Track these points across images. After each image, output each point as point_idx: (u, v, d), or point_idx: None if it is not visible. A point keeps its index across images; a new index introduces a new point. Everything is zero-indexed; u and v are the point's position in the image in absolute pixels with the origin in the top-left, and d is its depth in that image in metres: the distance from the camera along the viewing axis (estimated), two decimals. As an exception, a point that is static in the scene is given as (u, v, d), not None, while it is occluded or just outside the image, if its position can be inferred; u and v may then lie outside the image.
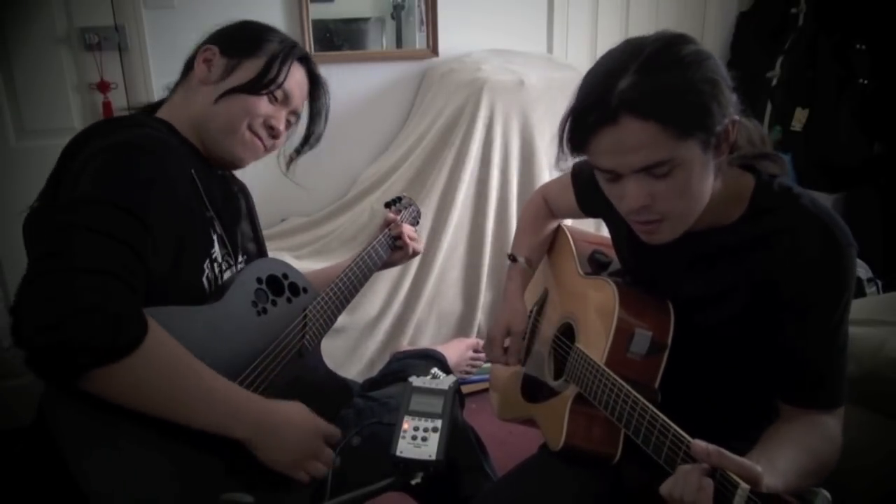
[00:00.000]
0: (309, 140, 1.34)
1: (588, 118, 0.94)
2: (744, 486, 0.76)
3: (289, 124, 1.28)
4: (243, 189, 1.35)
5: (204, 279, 1.11)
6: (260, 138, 1.22)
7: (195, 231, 1.10)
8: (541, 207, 1.45)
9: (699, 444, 0.82)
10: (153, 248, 0.96)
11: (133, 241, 0.93)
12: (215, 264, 1.15)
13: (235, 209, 1.28)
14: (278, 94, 1.21)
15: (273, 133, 1.23)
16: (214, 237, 1.16)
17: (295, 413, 1.07)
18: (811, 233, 0.99)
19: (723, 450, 0.80)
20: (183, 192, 1.07)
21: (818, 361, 1.03)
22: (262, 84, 1.19)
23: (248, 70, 1.19)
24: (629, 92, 0.90)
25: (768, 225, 1.02)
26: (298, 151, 1.36)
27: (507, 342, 1.34)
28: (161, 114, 1.21)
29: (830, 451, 0.99)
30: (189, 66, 1.23)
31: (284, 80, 1.21)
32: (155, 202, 0.98)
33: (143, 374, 0.90)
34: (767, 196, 1.03)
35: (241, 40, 1.22)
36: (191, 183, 1.10)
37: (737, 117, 0.96)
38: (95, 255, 0.89)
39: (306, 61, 1.27)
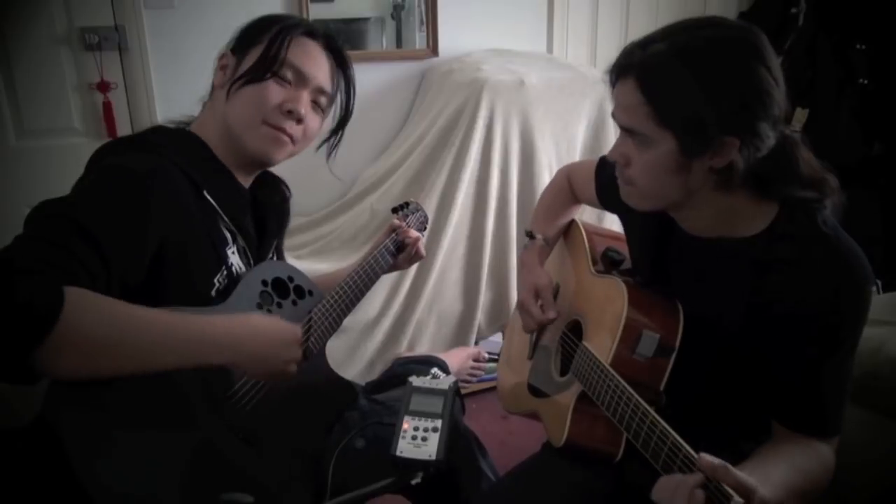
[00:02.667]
0: (344, 119, 1.27)
1: (618, 62, 1.01)
2: (737, 498, 0.76)
3: (317, 106, 1.20)
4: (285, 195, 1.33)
5: (214, 292, 1.11)
6: (281, 129, 1.15)
7: (201, 249, 1.09)
8: (563, 188, 1.45)
9: (706, 458, 0.80)
10: (104, 258, 0.92)
11: (65, 242, 0.90)
12: (230, 278, 1.14)
13: (273, 217, 1.28)
14: (287, 73, 1.14)
15: (295, 117, 1.15)
16: (230, 251, 1.15)
17: (259, 321, 1.05)
18: (832, 268, 0.98)
19: (728, 465, 0.79)
20: (172, 215, 1.03)
21: (822, 392, 1.02)
22: (264, 66, 1.12)
23: (252, 58, 1.14)
24: (647, 58, 0.96)
25: (789, 251, 1.00)
26: (334, 132, 1.30)
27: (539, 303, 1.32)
28: (194, 129, 1.18)
29: (823, 475, 0.99)
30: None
31: (285, 55, 1.13)
32: (117, 222, 0.95)
33: (85, 338, 0.86)
34: (790, 222, 1.01)
35: (247, 34, 1.17)
36: (199, 204, 1.09)
37: (737, 140, 0.94)
38: (14, 256, 0.86)
39: (321, 36, 1.20)
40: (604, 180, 1.32)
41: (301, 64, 1.15)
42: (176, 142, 1.13)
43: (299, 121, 1.16)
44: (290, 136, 1.16)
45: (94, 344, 0.87)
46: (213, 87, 1.20)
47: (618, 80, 1.00)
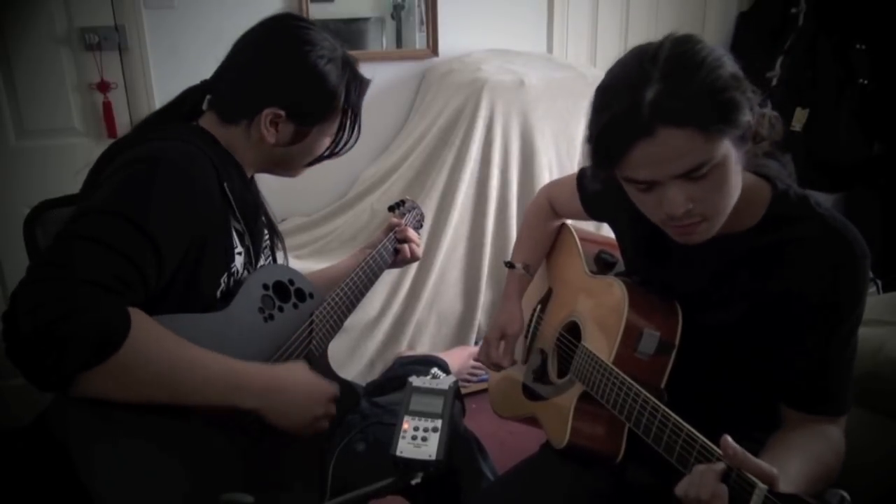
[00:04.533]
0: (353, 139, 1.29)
1: (620, 134, 0.91)
2: (761, 486, 0.75)
3: None
4: None
5: (219, 292, 1.11)
6: None
7: (217, 247, 1.08)
8: (544, 210, 1.44)
9: (729, 442, 0.81)
10: (160, 262, 0.95)
11: (134, 254, 0.92)
12: (232, 278, 1.14)
13: (263, 214, 1.28)
14: None
15: None
16: (238, 251, 1.15)
17: (299, 375, 1.08)
18: (829, 244, 0.99)
19: (748, 453, 0.80)
20: (207, 208, 1.04)
21: (829, 370, 1.02)
22: (343, 149, 1.24)
23: (323, 132, 1.19)
24: (661, 101, 0.88)
25: (785, 233, 1.01)
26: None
27: (501, 345, 1.35)
28: (210, 129, 1.15)
29: (835, 459, 0.99)
30: (235, 103, 1.15)
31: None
32: (169, 219, 0.97)
33: (135, 369, 0.90)
34: (785, 205, 1.02)
35: (310, 105, 1.15)
36: (221, 199, 1.09)
37: (758, 108, 0.95)
38: (89, 265, 0.88)
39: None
40: (588, 191, 1.32)
41: None
42: (194, 137, 1.11)
43: None
44: None
45: (141, 377, 0.91)
46: (254, 131, 1.14)
47: (638, 141, 0.90)
